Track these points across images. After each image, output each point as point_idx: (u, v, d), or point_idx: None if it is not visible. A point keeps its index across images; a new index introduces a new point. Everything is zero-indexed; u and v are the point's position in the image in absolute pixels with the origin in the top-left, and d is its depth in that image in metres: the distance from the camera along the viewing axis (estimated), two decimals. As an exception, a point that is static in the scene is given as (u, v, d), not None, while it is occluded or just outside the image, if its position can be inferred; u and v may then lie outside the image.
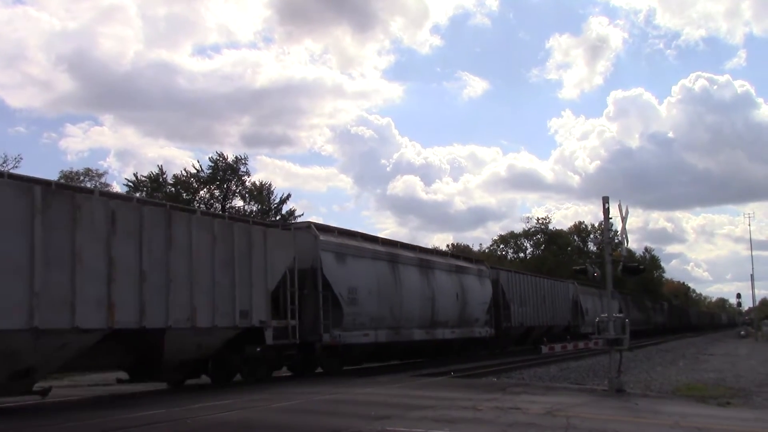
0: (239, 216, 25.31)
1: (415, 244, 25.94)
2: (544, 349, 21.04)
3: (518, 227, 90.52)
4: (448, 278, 24.74)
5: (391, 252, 21.92)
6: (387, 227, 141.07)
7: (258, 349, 15.92)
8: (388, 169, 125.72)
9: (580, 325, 37.10)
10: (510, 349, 31.07)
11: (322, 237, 18.41)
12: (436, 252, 28.65)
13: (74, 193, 12.35)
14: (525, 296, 31.79)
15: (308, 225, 19.11)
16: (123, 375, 14.53)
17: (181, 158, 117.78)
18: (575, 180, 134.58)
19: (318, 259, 17.97)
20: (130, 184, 38.99)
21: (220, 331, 14.76)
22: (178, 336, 13.63)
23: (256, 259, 15.66)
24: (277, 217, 40.62)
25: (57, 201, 11.54)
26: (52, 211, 11.31)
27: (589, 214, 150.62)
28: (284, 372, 19.09)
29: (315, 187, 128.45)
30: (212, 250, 14.50)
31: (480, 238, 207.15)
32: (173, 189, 38.14)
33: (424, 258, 23.91)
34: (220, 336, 14.84)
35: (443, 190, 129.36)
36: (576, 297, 38.52)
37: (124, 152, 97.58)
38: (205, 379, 16.17)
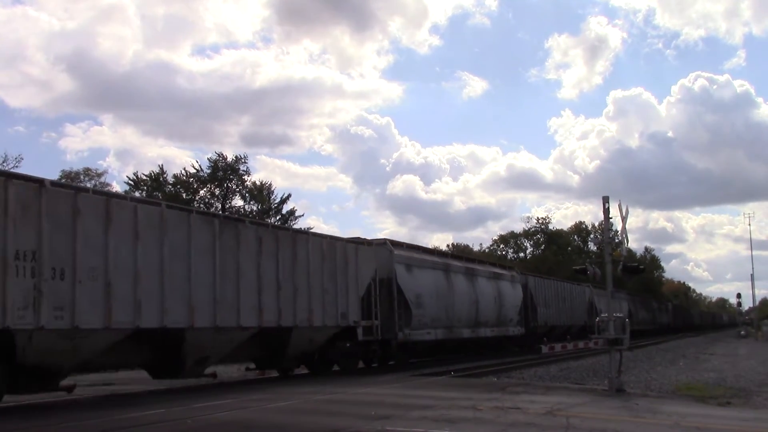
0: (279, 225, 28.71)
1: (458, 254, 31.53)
2: (544, 349, 21.05)
3: (518, 227, 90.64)
4: (488, 284, 28.08)
5: (445, 262, 25.69)
6: (386, 227, 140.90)
7: (348, 345, 19.31)
8: (387, 168, 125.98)
9: (593, 324, 39.49)
10: (536, 345, 32.42)
11: (395, 251, 21.86)
12: (478, 261, 31.51)
13: (237, 223, 16.18)
14: (549, 299, 35.18)
15: (384, 242, 22.27)
16: (251, 365, 18.37)
17: (180, 158, 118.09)
18: (575, 180, 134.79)
19: (393, 270, 21.26)
20: (131, 183, 39.04)
21: (327, 329, 18.29)
22: (300, 333, 17.24)
23: (351, 270, 19.17)
24: (278, 217, 40.65)
25: (227, 229, 15.20)
26: (224, 237, 14.92)
27: (589, 213, 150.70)
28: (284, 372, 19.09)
29: (315, 187, 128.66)
30: (321, 264, 18.05)
31: (480, 238, 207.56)
32: (173, 188, 38.16)
33: (470, 267, 27.48)
34: (326, 333, 18.37)
35: (443, 190, 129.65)
36: (591, 299, 41.62)
37: (123, 152, 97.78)
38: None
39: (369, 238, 21.98)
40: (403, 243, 24.12)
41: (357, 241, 20.67)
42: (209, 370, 15.81)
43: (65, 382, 12.38)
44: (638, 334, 46.17)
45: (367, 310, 19.88)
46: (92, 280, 11.93)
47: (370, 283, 20.10)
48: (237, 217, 18.16)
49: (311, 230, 26.03)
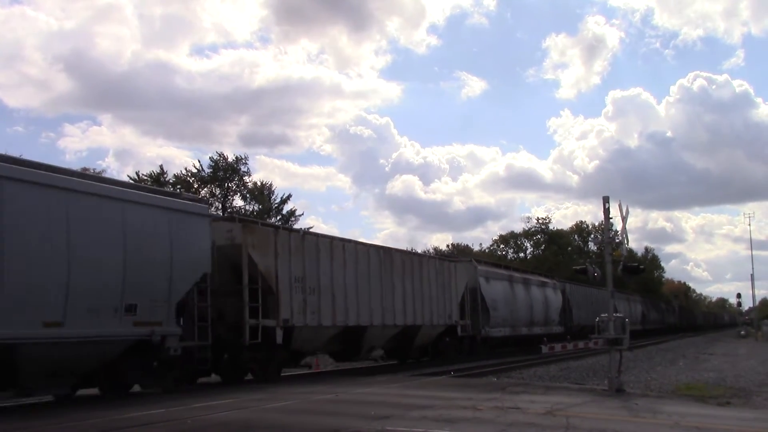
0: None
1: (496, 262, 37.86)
2: (544, 349, 21.03)
3: (517, 227, 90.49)
4: (538, 291, 34.84)
5: (509, 274, 32.62)
6: (386, 227, 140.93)
7: (447, 339, 25.41)
8: (386, 168, 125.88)
9: None
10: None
11: (479, 267, 29.32)
12: (530, 272, 38.73)
13: (390, 251, 22.81)
14: (580, 302, 41.33)
15: (470, 260, 30.08)
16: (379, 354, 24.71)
17: (179, 158, 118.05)
18: (574, 180, 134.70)
19: (477, 281, 28.04)
20: (131, 182, 38.98)
21: (439, 327, 24.70)
22: (425, 329, 23.46)
23: (452, 283, 25.59)
24: (278, 218, 40.65)
25: (386, 256, 21.87)
26: (384, 262, 21.56)
27: (589, 213, 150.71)
28: (280, 372, 19.10)
29: (314, 187, 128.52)
30: (436, 279, 24.47)
31: (479, 238, 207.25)
32: (173, 188, 38.14)
33: (525, 277, 34.42)
34: (438, 330, 24.75)
35: (442, 190, 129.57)
36: (614, 301, 45.63)
37: (122, 152, 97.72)
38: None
39: (367, 238, 26.07)
40: (482, 259, 33.26)
41: (451, 259, 28.63)
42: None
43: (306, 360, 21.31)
44: (651, 333, 55.04)
45: (460, 313, 26.23)
46: (326, 294, 18.40)
47: (463, 292, 26.46)
48: (388, 247, 23.88)
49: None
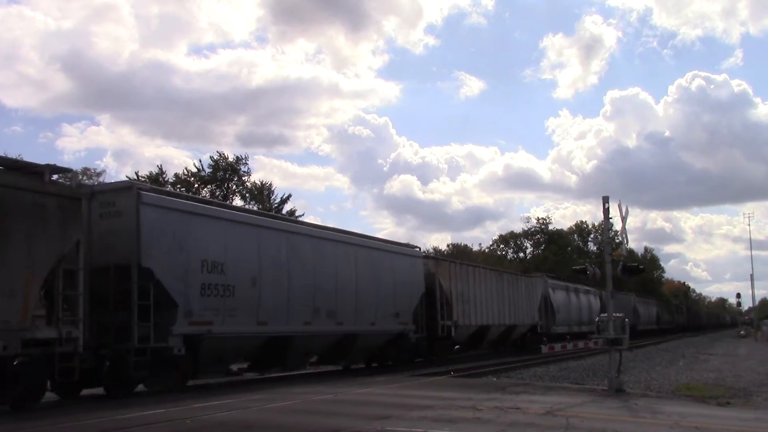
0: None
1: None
2: (544, 349, 21.06)
3: (516, 227, 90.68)
4: (584, 297, 43.61)
5: (566, 284, 40.67)
6: (385, 227, 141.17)
7: (529, 335, 33.36)
8: (385, 168, 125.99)
9: (637, 324, 54.12)
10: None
11: (548, 280, 37.63)
12: (577, 280, 44.39)
13: (503, 273, 32.54)
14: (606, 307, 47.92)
15: (541, 275, 37.91)
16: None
17: (178, 158, 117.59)
18: (572, 180, 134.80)
19: (548, 291, 36.46)
20: (130, 180, 38.93)
21: (526, 326, 32.96)
22: (495, 328, 29.69)
23: (532, 292, 34.12)
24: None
25: (502, 276, 31.41)
26: (504, 280, 31.05)
27: (588, 213, 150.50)
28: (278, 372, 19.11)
29: (313, 187, 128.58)
30: (524, 290, 32.93)
31: (478, 238, 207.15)
32: (174, 188, 38.14)
33: (576, 286, 42.47)
34: (525, 329, 33.03)
35: (440, 190, 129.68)
36: (635, 305, 55.32)
37: (121, 152, 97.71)
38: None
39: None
40: (548, 274, 40.55)
41: (531, 276, 37.11)
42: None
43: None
44: (664, 331, 64.91)
45: (539, 315, 34.66)
46: (472, 303, 26.97)
47: (540, 299, 34.91)
48: (501, 270, 31.80)
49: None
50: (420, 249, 27.02)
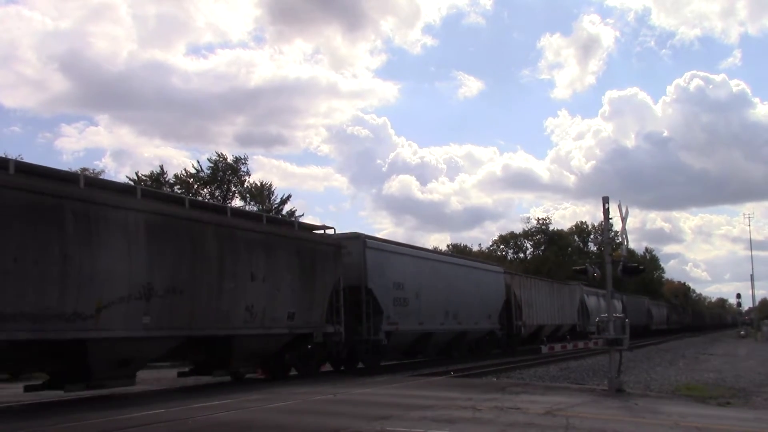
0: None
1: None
2: (544, 349, 21.05)
3: (515, 227, 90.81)
4: (597, 300, 46.80)
5: (596, 291, 43.85)
6: (384, 227, 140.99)
7: (568, 336, 35.76)
8: (384, 169, 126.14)
9: (650, 324, 62.61)
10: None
11: (584, 287, 42.69)
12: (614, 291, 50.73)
13: (560, 283, 39.98)
14: (632, 308, 53.77)
15: (578, 283, 41.77)
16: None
17: (177, 158, 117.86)
18: (571, 180, 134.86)
19: (583, 296, 42.70)
20: (131, 183, 38.98)
21: (567, 326, 38.96)
22: (548, 327, 35.38)
23: (573, 298, 40.72)
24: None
25: (557, 285, 39.94)
26: (557, 289, 39.49)
27: (587, 214, 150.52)
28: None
29: (312, 187, 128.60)
30: (569, 296, 40.04)
31: (477, 238, 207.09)
32: (172, 189, 38.16)
33: (604, 292, 42.83)
34: (566, 328, 38.70)
35: (439, 190, 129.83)
36: (648, 307, 63.69)
37: (119, 152, 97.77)
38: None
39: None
40: (586, 281, 42.45)
41: (571, 284, 41.60)
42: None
43: None
44: (673, 331, 71.39)
45: (577, 316, 40.96)
46: (533, 308, 33.39)
47: (578, 304, 41.12)
48: (552, 280, 38.15)
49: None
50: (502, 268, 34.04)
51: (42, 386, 12.81)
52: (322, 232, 19.84)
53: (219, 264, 14.94)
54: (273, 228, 17.63)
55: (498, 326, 29.76)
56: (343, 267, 19.32)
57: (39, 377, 14.79)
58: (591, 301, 44.20)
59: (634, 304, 57.30)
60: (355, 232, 21.29)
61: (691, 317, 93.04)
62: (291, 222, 21.57)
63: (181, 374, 17.20)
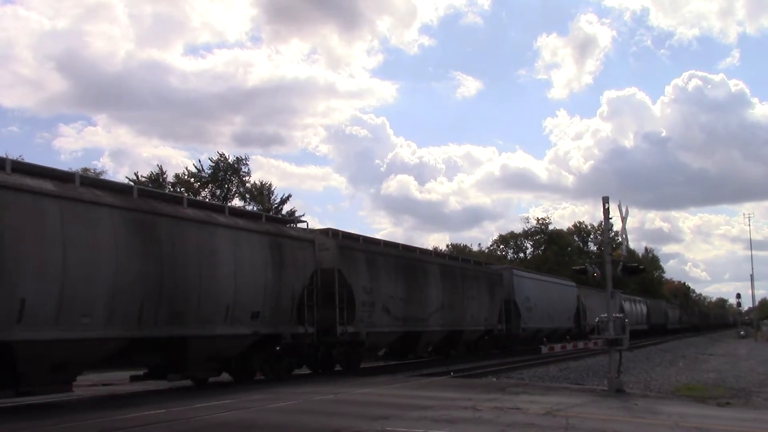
0: None
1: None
2: (544, 349, 21.03)
3: (514, 227, 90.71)
4: (636, 305, 53.11)
5: (628, 296, 47.88)
6: (383, 227, 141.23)
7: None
8: (382, 168, 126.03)
9: (667, 323, 69.34)
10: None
11: (581, 290, 42.86)
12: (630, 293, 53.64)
13: (558, 284, 39.59)
14: (652, 310, 62.02)
15: (613, 291, 38.17)
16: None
17: (175, 158, 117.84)
18: (570, 180, 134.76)
19: (582, 301, 42.27)
20: (131, 183, 38.98)
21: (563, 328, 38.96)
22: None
23: (568, 298, 39.83)
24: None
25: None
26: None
27: (586, 214, 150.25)
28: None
29: (311, 187, 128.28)
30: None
31: (476, 238, 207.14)
32: (173, 189, 38.16)
33: (632, 297, 51.68)
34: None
35: (437, 190, 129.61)
36: (665, 309, 70.65)
37: (118, 152, 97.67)
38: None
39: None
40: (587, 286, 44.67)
41: (567, 284, 40.88)
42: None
43: None
44: (683, 329, 77.17)
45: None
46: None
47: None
48: (573, 284, 39.82)
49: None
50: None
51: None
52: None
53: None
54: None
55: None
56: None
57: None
58: (626, 306, 47.81)
59: (655, 306, 66.52)
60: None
61: (698, 318, 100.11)
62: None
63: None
